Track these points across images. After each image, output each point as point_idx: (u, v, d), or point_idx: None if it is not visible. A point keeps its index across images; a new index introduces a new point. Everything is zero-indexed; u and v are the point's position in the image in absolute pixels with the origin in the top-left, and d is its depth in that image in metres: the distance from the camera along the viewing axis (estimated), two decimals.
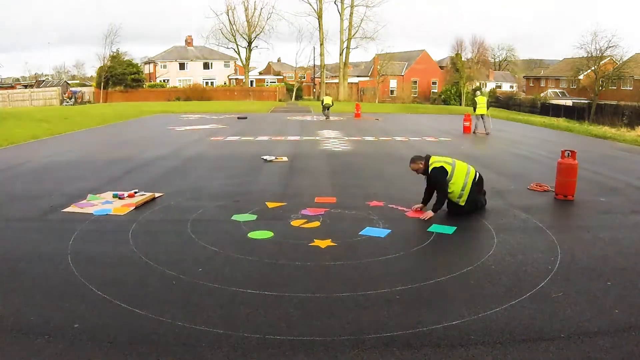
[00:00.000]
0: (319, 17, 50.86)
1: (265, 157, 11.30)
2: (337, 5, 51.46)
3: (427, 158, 6.53)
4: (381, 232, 5.69)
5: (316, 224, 6.02)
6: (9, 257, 4.86)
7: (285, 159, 11.39)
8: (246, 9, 53.25)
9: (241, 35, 52.28)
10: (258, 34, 52.37)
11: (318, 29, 51.29)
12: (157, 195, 7.37)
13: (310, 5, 53.99)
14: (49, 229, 5.89)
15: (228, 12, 52.97)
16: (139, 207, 6.71)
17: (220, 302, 3.93)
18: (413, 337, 3.37)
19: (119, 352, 3.17)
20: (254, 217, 6.32)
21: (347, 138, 16.03)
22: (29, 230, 5.81)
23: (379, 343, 3.29)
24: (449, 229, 5.77)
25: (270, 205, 6.91)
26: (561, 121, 29.82)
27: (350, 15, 50.78)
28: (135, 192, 7.34)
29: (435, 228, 5.81)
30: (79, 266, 4.61)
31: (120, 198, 7.11)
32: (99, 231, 5.76)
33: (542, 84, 58.76)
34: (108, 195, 7.32)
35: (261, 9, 72.75)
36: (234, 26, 52.69)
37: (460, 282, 4.33)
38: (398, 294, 4.08)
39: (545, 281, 4.32)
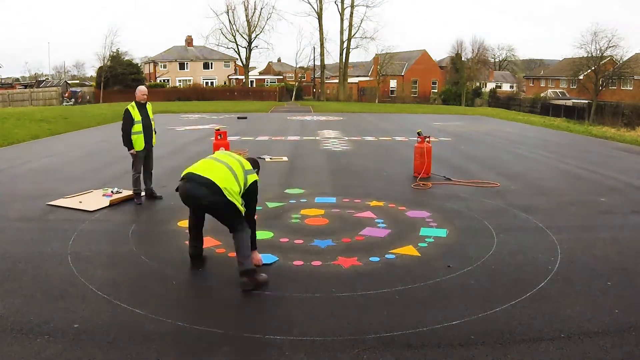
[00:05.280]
0: (319, 17, 50.85)
1: (265, 157, 11.29)
2: (337, 5, 51.52)
3: None
4: (440, 232, 5.73)
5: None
6: (9, 257, 4.86)
7: (285, 158, 11.39)
8: (246, 9, 53.33)
9: (241, 35, 52.29)
10: (258, 34, 52.39)
11: (318, 29, 51.33)
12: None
13: (310, 5, 54.21)
14: (49, 229, 5.89)
15: (228, 12, 53.00)
16: (114, 205, 6.86)
17: (220, 302, 3.93)
18: (413, 337, 3.37)
19: (119, 352, 3.17)
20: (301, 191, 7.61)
21: (347, 138, 16.03)
22: (29, 230, 5.81)
23: (379, 343, 3.29)
24: (441, 232, 5.76)
25: (270, 205, 6.91)
26: (561, 121, 29.84)
27: (350, 15, 50.79)
28: (119, 191, 7.46)
29: (426, 232, 5.76)
30: (79, 266, 4.61)
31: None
32: (99, 231, 5.76)
33: (542, 83, 58.73)
34: (99, 193, 7.45)
35: (261, 8, 72.66)
36: (234, 26, 52.70)
37: (460, 282, 4.33)
38: (398, 294, 4.08)
39: (545, 281, 4.33)
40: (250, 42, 52.32)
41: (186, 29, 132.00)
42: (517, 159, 11.88)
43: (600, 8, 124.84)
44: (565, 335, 3.40)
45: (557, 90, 53.01)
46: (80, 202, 6.88)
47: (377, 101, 51.08)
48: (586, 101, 40.85)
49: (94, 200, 7.00)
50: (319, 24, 51.00)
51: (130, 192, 7.28)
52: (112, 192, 7.36)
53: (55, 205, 6.79)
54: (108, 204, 6.81)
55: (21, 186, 8.17)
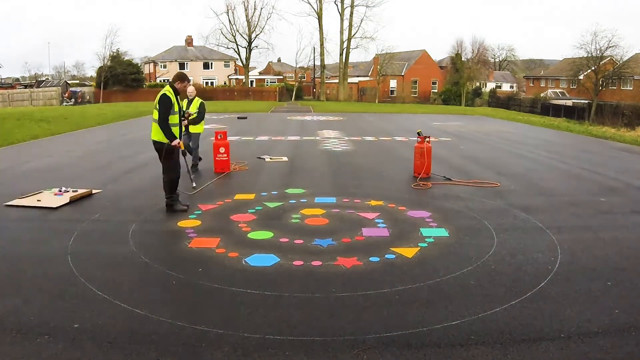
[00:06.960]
0: (319, 17, 50.89)
1: (265, 157, 11.29)
2: (337, 5, 51.54)
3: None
4: (440, 232, 5.74)
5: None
6: (9, 257, 4.86)
7: (285, 158, 11.39)
8: (246, 9, 53.35)
9: (241, 35, 52.31)
10: (258, 34, 52.41)
11: (318, 29, 51.34)
12: (94, 191, 7.56)
13: (310, 5, 54.12)
14: (49, 229, 5.89)
15: (228, 12, 53.04)
16: (74, 202, 6.98)
17: (220, 302, 3.93)
18: (413, 337, 3.37)
19: (119, 352, 3.17)
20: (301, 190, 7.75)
21: (347, 138, 16.03)
22: (29, 230, 5.81)
23: (379, 343, 3.29)
24: (441, 232, 5.75)
25: (270, 205, 6.91)
26: (561, 121, 29.85)
27: (350, 15, 50.85)
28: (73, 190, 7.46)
29: (426, 232, 5.76)
30: (79, 266, 4.61)
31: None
32: (99, 231, 5.76)
33: (542, 83, 58.73)
34: (49, 193, 7.39)
35: (261, 8, 72.91)
36: (234, 26, 52.78)
37: (460, 282, 4.33)
38: (398, 294, 4.08)
39: (545, 281, 4.32)
40: (250, 42, 52.35)
41: (186, 29, 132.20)
42: (517, 159, 11.88)
43: (601, 8, 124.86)
44: (565, 335, 3.40)
45: (557, 90, 53.01)
46: (39, 200, 6.94)
47: (377, 101, 51.09)
48: (586, 101, 40.82)
49: (51, 199, 7.04)
50: (319, 24, 51.08)
51: (84, 190, 7.37)
52: (60, 190, 7.39)
53: (13, 206, 6.75)
54: (68, 200, 6.91)
55: (21, 186, 8.16)
